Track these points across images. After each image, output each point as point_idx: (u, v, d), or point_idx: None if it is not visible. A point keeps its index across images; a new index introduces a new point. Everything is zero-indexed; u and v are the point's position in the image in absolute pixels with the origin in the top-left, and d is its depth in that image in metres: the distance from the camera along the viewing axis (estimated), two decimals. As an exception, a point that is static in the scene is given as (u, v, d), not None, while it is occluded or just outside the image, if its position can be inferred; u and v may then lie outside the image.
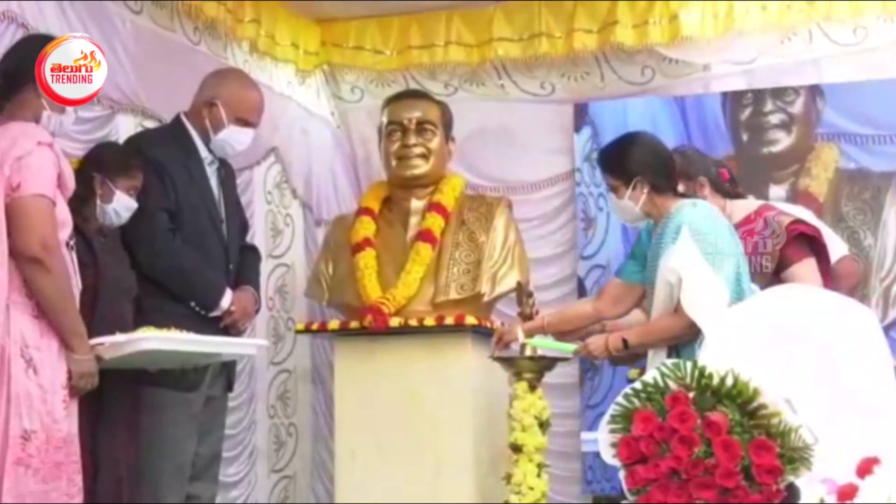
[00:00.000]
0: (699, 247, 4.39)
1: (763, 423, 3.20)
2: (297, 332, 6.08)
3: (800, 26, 6.39)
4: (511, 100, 6.82)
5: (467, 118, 6.35)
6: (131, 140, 5.13)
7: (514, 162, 6.72)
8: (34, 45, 4.11)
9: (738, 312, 4.02)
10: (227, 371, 5.20)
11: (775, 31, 6.42)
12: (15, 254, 3.93)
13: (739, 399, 3.22)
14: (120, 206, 4.66)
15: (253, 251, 5.46)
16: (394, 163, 5.90)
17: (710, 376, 3.25)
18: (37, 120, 4.10)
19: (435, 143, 5.88)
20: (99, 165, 4.65)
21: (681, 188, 4.75)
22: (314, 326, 5.93)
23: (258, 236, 6.26)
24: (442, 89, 6.73)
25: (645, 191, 4.62)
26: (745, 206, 5.13)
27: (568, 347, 4.85)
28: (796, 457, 3.18)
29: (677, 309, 4.40)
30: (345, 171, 6.98)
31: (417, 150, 5.86)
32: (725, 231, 4.51)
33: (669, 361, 3.37)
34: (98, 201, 4.61)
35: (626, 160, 4.67)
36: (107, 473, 4.42)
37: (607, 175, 4.73)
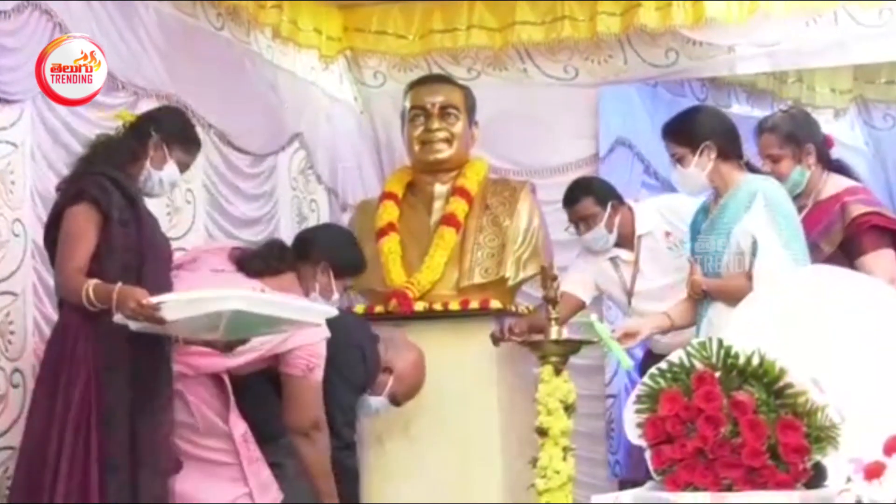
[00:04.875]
0: (776, 218, 4.42)
1: (790, 403, 3.19)
2: (323, 317, 6.08)
3: (825, 8, 6.36)
4: (534, 84, 6.81)
5: (490, 102, 6.33)
6: None
7: (537, 146, 6.71)
8: (335, 235, 5.22)
9: (765, 292, 4.01)
10: None
11: (800, 12, 6.39)
12: None
13: (766, 378, 3.21)
14: (167, 175, 4.43)
15: None
16: (417, 147, 5.90)
17: (737, 356, 3.24)
18: (306, 293, 4.80)
19: (458, 127, 5.88)
20: (159, 127, 4.42)
21: (786, 151, 4.85)
22: (339, 311, 5.94)
23: (284, 222, 6.27)
24: (465, 73, 6.72)
25: (712, 157, 4.66)
26: (837, 184, 5.07)
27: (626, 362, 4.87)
28: (823, 436, 3.17)
29: (749, 274, 4.42)
30: (369, 156, 6.98)
31: (441, 135, 5.86)
32: (795, 210, 4.56)
33: (695, 341, 3.37)
34: (148, 163, 4.38)
35: (693, 126, 4.74)
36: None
37: (673, 144, 4.74)
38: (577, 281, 5.66)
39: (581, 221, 5.69)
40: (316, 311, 4.55)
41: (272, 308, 4.24)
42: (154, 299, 3.92)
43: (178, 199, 5.44)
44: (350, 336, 4.99)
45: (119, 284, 3.98)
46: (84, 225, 4.11)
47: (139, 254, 4.18)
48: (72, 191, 4.19)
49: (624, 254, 5.71)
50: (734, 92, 6.89)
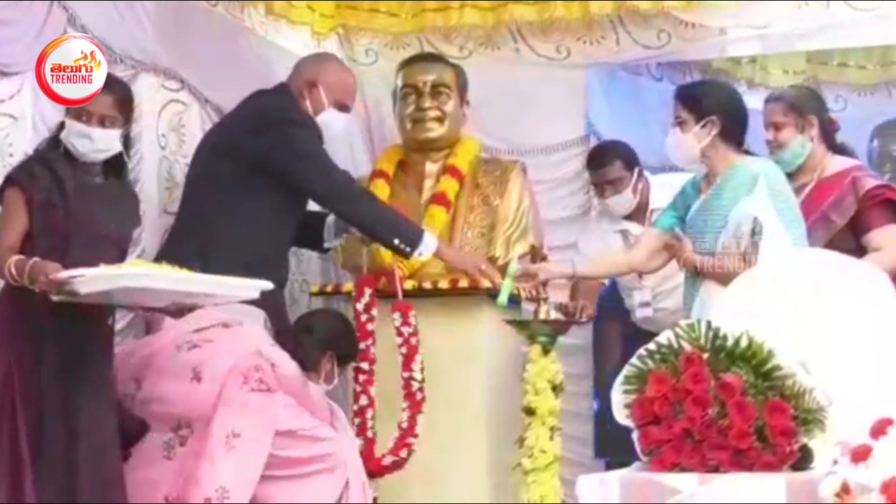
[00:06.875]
0: (777, 203, 4.45)
1: (777, 385, 3.23)
2: (312, 294, 6.09)
3: (818, -9, 6.36)
4: (526, 63, 6.79)
5: (482, 81, 6.31)
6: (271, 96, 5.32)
7: (528, 125, 6.69)
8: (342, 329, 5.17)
9: (752, 274, 4.04)
10: None
11: (793, -5, 6.40)
12: None
13: (754, 360, 3.24)
14: (72, 134, 4.23)
15: None
16: (408, 126, 5.91)
17: (725, 338, 3.27)
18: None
19: (450, 106, 5.88)
20: None
21: (789, 119, 4.96)
22: (329, 289, 5.95)
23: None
24: (457, 52, 6.71)
25: (713, 133, 4.67)
26: (842, 161, 5.14)
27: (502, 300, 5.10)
28: (810, 418, 3.21)
29: (745, 257, 4.45)
30: (360, 134, 6.97)
31: (432, 114, 5.86)
32: (794, 196, 4.62)
33: (684, 322, 3.39)
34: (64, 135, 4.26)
35: (705, 97, 4.76)
36: None
37: (681, 106, 4.77)
38: None
39: (608, 185, 5.70)
40: (248, 285, 4.42)
41: (195, 286, 4.28)
42: (64, 273, 3.96)
43: (177, 174, 5.47)
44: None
45: (34, 259, 4.05)
46: (11, 208, 4.20)
47: (65, 236, 4.21)
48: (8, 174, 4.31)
49: (634, 228, 5.72)
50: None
